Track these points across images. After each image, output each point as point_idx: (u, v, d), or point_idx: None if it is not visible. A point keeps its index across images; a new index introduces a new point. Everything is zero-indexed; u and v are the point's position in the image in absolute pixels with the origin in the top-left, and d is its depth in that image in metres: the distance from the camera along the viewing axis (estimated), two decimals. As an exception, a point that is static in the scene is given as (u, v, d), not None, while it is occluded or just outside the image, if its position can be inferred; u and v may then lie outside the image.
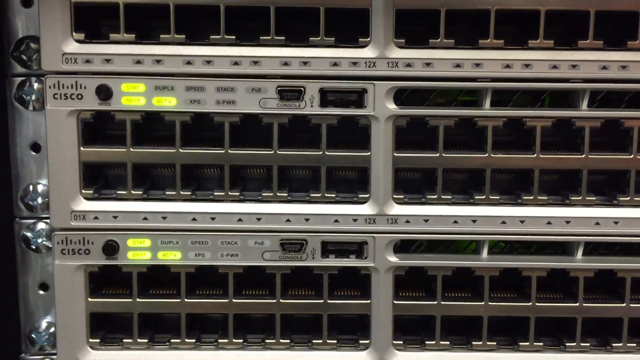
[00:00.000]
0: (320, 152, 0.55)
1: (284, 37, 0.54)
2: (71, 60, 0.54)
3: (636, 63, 0.54)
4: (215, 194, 0.56)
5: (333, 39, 0.54)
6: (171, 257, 0.56)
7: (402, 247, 0.58)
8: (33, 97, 0.58)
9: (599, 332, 0.59)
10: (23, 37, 0.58)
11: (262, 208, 0.56)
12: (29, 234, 0.60)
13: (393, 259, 0.57)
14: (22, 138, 0.59)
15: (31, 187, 0.60)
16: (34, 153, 0.60)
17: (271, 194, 0.56)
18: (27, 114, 0.59)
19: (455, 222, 0.56)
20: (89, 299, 0.56)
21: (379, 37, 0.54)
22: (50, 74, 0.54)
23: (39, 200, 0.60)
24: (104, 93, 0.54)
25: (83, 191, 0.55)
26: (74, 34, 0.54)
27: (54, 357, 0.61)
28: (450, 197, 0.56)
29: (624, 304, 0.57)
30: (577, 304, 0.57)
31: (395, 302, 0.57)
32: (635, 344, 0.58)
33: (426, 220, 0.56)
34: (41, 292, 0.61)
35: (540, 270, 0.57)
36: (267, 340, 0.58)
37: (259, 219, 0.56)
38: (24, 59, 0.58)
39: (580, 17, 0.54)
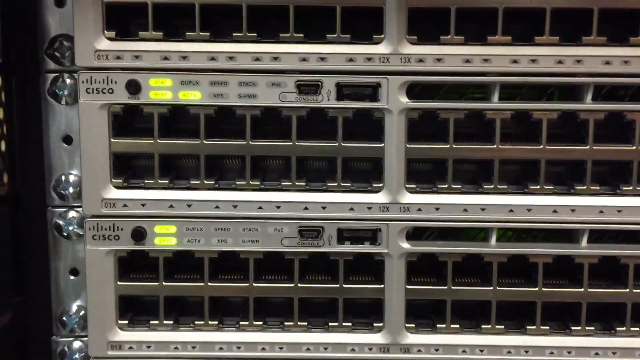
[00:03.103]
0: (337, 144, 0.58)
1: (302, 35, 0.57)
2: (103, 57, 0.57)
3: (638, 58, 0.56)
4: (237, 183, 0.59)
5: (349, 36, 0.57)
6: (195, 243, 0.59)
7: (415, 234, 0.61)
8: (65, 92, 0.62)
9: (603, 316, 0.61)
10: (56, 36, 0.62)
11: (281, 196, 0.59)
12: (60, 222, 0.63)
13: (405, 245, 0.59)
14: (55, 131, 0.63)
15: (63, 178, 0.63)
16: (65, 145, 0.63)
17: (290, 184, 0.59)
18: (60, 108, 0.63)
19: (465, 210, 0.59)
20: (118, 283, 0.60)
21: (392, 34, 0.57)
22: (83, 70, 0.57)
23: (70, 189, 0.63)
24: (133, 87, 0.57)
25: (113, 180, 0.59)
26: (105, 32, 0.57)
27: (84, 338, 0.64)
28: (460, 186, 0.59)
29: (627, 290, 0.60)
30: (582, 290, 0.60)
31: (407, 287, 0.60)
32: (638, 328, 0.60)
33: (437, 209, 0.59)
34: (72, 277, 0.65)
35: (546, 257, 0.59)
36: (285, 323, 0.61)
37: (278, 207, 0.59)
38: (57, 56, 0.62)
39: (585, 14, 0.57)
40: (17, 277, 0.66)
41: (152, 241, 0.59)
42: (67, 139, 0.63)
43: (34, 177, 0.64)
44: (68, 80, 0.62)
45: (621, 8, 0.56)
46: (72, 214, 0.63)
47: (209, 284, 0.60)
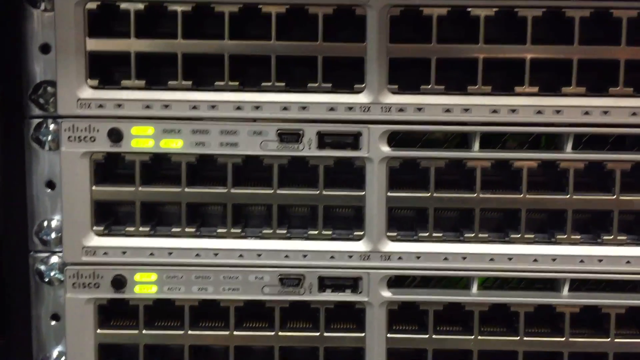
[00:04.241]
0: (318, 192, 0.58)
1: (284, 84, 0.57)
2: (85, 105, 0.57)
3: (617, 109, 0.57)
4: (218, 231, 0.59)
5: (330, 85, 0.57)
6: (176, 291, 0.59)
7: (397, 280, 0.61)
8: (49, 138, 0.62)
9: (586, 365, 0.61)
10: (41, 82, 0.62)
11: (262, 244, 0.59)
12: (42, 267, 0.63)
13: (386, 294, 0.59)
14: (38, 176, 0.63)
15: (45, 223, 0.63)
16: (49, 190, 0.63)
17: (271, 232, 0.59)
18: (43, 153, 0.63)
19: (446, 259, 0.59)
20: (98, 331, 0.59)
21: (373, 84, 0.57)
22: (65, 118, 0.58)
23: (53, 235, 0.63)
24: (115, 136, 0.57)
25: (94, 228, 0.59)
26: (88, 80, 0.57)
27: (64, 385, 0.64)
28: (441, 234, 0.59)
29: (609, 339, 0.59)
30: (564, 339, 0.59)
31: (388, 335, 0.59)
32: (620, 377, 0.60)
33: (418, 257, 0.59)
34: (53, 322, 0.64)
35: (527, 306, 0.59)
36: (267, 371, 0.61)
37: (259, 255, 0.59)
38: (41, 102, 0.62)
39: (564, 64, 0.57)
40: (-2, 321, 0.66)
41: (132, 289, 0.59)
42: (50, 184, 0.63)
43: (17, 221, 0.63)
44: (52, 126, 0.62)
45: (600, 59, 0.57)
46: (54, 259, 0.63)
47: (190, 332, 0.60)
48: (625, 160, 0.58)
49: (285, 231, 0.59)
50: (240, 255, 0.59)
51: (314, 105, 0.57)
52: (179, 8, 0.56)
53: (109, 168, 0.60)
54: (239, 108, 0.58)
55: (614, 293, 0.60)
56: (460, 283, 0.61)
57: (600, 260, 0.58)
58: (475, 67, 0.57)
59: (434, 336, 0.59)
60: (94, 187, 0.58)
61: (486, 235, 0.59)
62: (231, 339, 0.60)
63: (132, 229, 0.59)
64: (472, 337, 0.59)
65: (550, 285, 0.61)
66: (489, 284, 0.62)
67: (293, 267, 0.59)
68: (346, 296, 0.59)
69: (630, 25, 0.56)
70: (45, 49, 0.62)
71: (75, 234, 0.59)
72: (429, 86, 0.57)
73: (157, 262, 0.59)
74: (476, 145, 0.58)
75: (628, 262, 0.58)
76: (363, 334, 0.60)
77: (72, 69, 0.57)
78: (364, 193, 0.58)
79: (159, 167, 0.60)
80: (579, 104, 0.57)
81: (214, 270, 0.59)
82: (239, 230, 0.59)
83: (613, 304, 0.59)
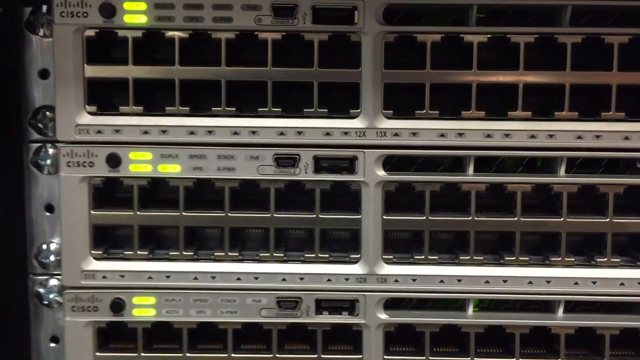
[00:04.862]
0: (314, 215, 0.59)
1: (280, 109, 0.58)
2: (84, 131, 0.58)
3: (609, 133, 0.58)
4: (216, 254, 0.60)
5: (326, 110, 0.58)
6: (174, 314, 0.60)
7: (393, 302, 0.61)
8: (48, 162, 0.63)
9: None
10: (39, 107, 0.63)
11: (260, 268, 0.59)
12: (41, 290, 0.64)
13: (383, 316, 0.60)
14: (37, 200, 0.64)
15: (44, 246, 0.64)
16: (48, 214, 0.64)
17: (268, 255, 0.59)
18: (43, 177, 0.63)
19: (442, 281, 0.59)
20: (97, 353, 0.60)
21: (368, 109, 0.58)
22: (64, 144, 0.58)
23: (52, 258, 0.64)
24: (114, 161, 0.58)
25: (93, 252, 0.59)
26: (86, 106, 0.58)
27: (64, 408, 0.64)
28: (436, 257, 0.59)
29: (604, 360, 0.60)
30: (559, 360, 0.60)
31: (385, 357, 0.60)
32: (616, 399, 0.61)
33: (414, 280, 0.59)
34: (52, 344, 0.65)
35: (523, 328, 0.60)
36: (264, 394, 0.61)
37: (256, 278, 0.59)
38: (40, 127, 0.63)
39: (557, 89, 0.58)
40: (-3, 344, 0.66)
41: (130, 312, 0.59)
42: (49, 208, 0.64)
43: (16, 244, 0.64)
44: (51, 150, 0.62)
45: (592, 84, 0.58)
46: (53, 282, 0.64)
47: (187, 354, 0.60)
48: (618, 184, 0.58)
49: (282, 254, 0.60)
50: (238, 278, 0.59)
51: (310, 130, 0.58)
52: (176, 35, 0.57)
53: (107, 192, 0.60)
54: (236, 133, 0.58)
55: (608, 314, 0.60)
56: (457, 304, 0.62)
57: (594, 282, 0.59)
58: (469, 92, 0.58)
59: (430, 357, 0.60)
60: (92, 212, 0.59)
61: (481, 257, 0.59)
62: (229, 361, 0.60)
63: (130, 252, 0.59)
64: (469, 358, 0.60)
65: (546, 306, 0.61)
66: (485, 304, 0.63)
67: (290, 290, 0.59)
68: (343, 318, 0.60)
69: (621, 51, 0.57)
70: (44, 74, 0.63)
71: (74, 258, 0.59)
72: (424, 111, 0.58)
73: (155, 286, 0.59)
74: (470, 169, 0.59)
75: (622, 284, 0.59)
76: (360, 356, 0.60)
77: (71, 95, 0.58)
78: (360, 216, 0.59)
79: (156, 190, 0.61)
80: (571, 129, 0.58)
81: (212, 293, 0.59)
82: (236, 254, 0.60)
83: (608, 325, 0.60)
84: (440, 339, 0.61)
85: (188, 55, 0.58)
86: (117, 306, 0.59)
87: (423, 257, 0.59)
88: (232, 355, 0.60)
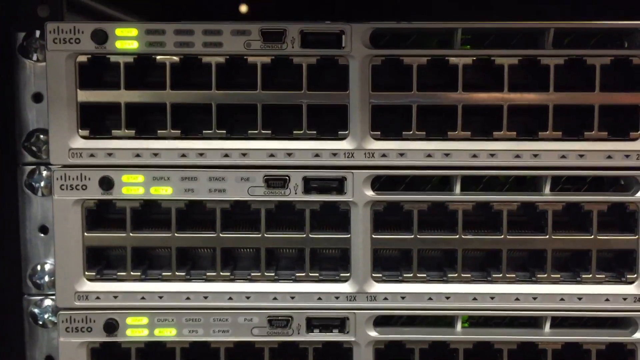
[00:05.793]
0: (304, 235, 0.60)
1: (270, 131, 0.59)
2: (77, 155, 0.59)
3: (593, 152, 0.59)
4: (208, 274, 0.60)
5: (315, 132, 0.59)
6: (167, 333, 0.60)
7: (383, 319, 0.62)
8: (42, 184, 0.64)
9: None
10: (33, 130, 0.64)
11: (251, 287, 0.60)
12: (36, 310, 0.65)
13: (373, 333, 0.61)
14: (31, 221, 0.65)
15: (39, 267, 0.65)
16: (42, 235, 0.65)
17: (259, 274, 0.60)
18: (36, 199, 0.64)
19: (430, 298, 0.60)
20: (91, 374, 0.61)
21: (356, 130, 0.59)
22: (57, 167, 0.59)
23: (46, 278, 0.64)
24: (106, 184, 0.59)
25: (86, 273, 0.60)
26: (79, 130, 0.59)
27: None
28: (425, 275, 0.61)
29: (591, 375, 0.61)
30: (547, 375, 0.61)
31: (375, 374, 0.61)
32: (603, 413, 0.62)
33: (403, 298, 0.60)
34: (47, 364, 0.66)
35: (510, 343, 0.61)
36: (257, 410, 0.62)
37: (248, 298, 0.60)
38: (33, 150, 0.64)
39: (541, 109, 0.59)
40: (-8, 364, 0.67)
41: (124, 332, 0.60)
42: (43, 229, 0.64)
43: (11, 265, 0.65)
44: (44, 173, 0.63)
45: (575, 104, 0.59)
46: (47, 302, 0.64)
47: (181, 374, 0.61)
48: (602, 202, 0.59)
49: (273, 274, 0.61)
50: (230, 298, 0.60)
51: (300, 151, 0.59)
52: (167, 59, 0.58)
53: (100, 214, 0.61)
54: (226, 155, 0.59)
55: (594, 329, 0.62)
56: (445, 320, 0.63)
57: (580, 298, 0.60)
58: (455, 113, 0.59)
59: (419, 375, 0.61)
60: (85, 234, 0.60)
61: (469, 275, 0.60)
62: (221, 380, 0.61)
63: (123, 273, 0.60)
64: (457, 374, 0.61)
65: (533, 322, 0.62)
66: (473, 320, 0.64)
67: (281, 309, 0.60)
68: (334, 336, 0.61)
69: (603, 72, 0.58)
70: (37, 98, 0.63)
71: (67, 280, 0.60)
72: (411, 132, 0.59)
73: (148, 306, 0.60)
74: (457, 188, 0.60)
75: (607, 299, 0.60)
76: (351, 373, 0.61)
77: (64, 120, 0.59)
78: (349, 235, 0.60)
79: (149, 212, 0.62)
80: (555, 148, 0.59)
81: (204, 313, 0.60)
82: (228, 274, 0.61)
83: (594, 340, 0.61)
84: (430, 355, 0.62)
85: (179, 80, 0.59)
86: (111, 327, 0.60)
87: (412, 275, 0.60)
88: (225, 373, 0.61)
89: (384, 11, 0.74)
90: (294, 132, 0.59)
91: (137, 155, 0.59)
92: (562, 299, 0.60)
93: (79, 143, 0.59)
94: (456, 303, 0.60)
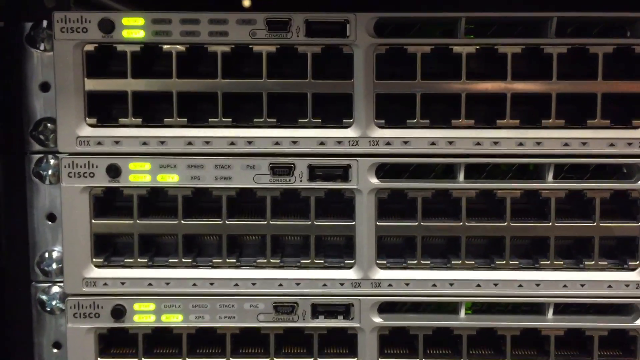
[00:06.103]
0: (309, 222, 0.61)
1: (275, 119, 0.60)
2: (84, 143, 0.60)
3: (595, 140, 0.59)
4: (214, 261, 0.61)
5: (320, 120, 0.60)
6: (174, 319, 0.61)
7: (387, 306, 0.63)
8: (49, 172, 0.64)
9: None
10: (41, 119, 0.64)
11: (257, 274, 0.61)
12: (44, 297, 0.65)
13: (377, 319, 0.61)
14: (39, 209, 0.65)
15: (47, 254, 0.65)
16: (49, 222, 0.65)
17: (265, 261, 0.61)
18: (44, 187, 0.65)
19: (434, 285, 0.61)
20: (99, 359, 0.62)
21: (361, 119, 0.59)
22: (65, 155, 0.60)
23: (54, 265, 0.65)
24: (114, 172, 0.60)
25: (94, 260, 0.61)
26: (87, 119, 0.60)
27: (66, 411, 0.66)
28: (429, 262, 0.61)
29: (593, 360, 0.62)
30: (549, 361, 0.62)
31: (380, 359, 0.62)
32: (606, 400, 0.62)
33: (407, 284, 0.61)
34: (55, 350, 0.66)
35: (514, 330, 0.62)
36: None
37: (254, 284, 0.61)
38: (41, 139, 0.64)
39: (544, 98, 0.60)
40: (1, 351, 0.68)
41: (131, 318, 0.61)
42: (51, 217, 0.65)
43: (19, 253, 0.66)
44: (52, 161, 0.64)
45: (578, 92, 0.59)
46: (55, 289, 0.65)
47: (187, 359, 0.62)
48: (605, 189, 0.60)
49: (278, 260, 0.61)
50: (236, 284, 0.61)
51: (305, 139, 0.60)
52: (173, 48, 0.59)
53: (107, 201, 0.62)
54: (232, 143, 0.60)
55: (596, 316, 0.62)
56: (449, 307, 0.64)
57: (582, 285, 0.61)
58: (459, 102, 0.59)
59: (424, 360, 0.62)
60: (93, 221, 0.60)
61: (472, 262, 0.61)
62: (228, 365, 0.62)
63: (130, 260, 0.61)
64: (461, 360, 0.62)
65: (536, 308, 0.63)
66: (477, 307, 0.64)
67: (287, 295, 0.61)
68: (338, 322, 0.61)
69: (606, 60, 0.58)
70: (45, 87, 0.64)
71: (75, 266, 0.61)
72: (415, 120, 0.59)
73: (155, 292, 0.61)
74: (461, 176, 0.61)
75: (610, 286, 0.61)
76: (355, 359, 0.62)
77: (71, 108, 0.59)
78: (354, 223, 0.61)
79: (156, 200, 0.62)
80: (558, 136, 0.59)
81: (211, 299, 0.61)
82: (234, 260, 0.61)
83: (596, 326, 0.61)
84: (434, 342, 0.63)
85: (185, 68, 0.60)
86: (118, 313, 0.61)
87: (416, 262, 0.61)
88: (231, 359, 0.62)
89: (388, 0, 0.74)
90: (299, 120, 0.60)
91: (144, 143, 0.60)
92: (564, 286, 0.61)
93: (86, 131, 0.60)
94: (460, 290, 0.61)
